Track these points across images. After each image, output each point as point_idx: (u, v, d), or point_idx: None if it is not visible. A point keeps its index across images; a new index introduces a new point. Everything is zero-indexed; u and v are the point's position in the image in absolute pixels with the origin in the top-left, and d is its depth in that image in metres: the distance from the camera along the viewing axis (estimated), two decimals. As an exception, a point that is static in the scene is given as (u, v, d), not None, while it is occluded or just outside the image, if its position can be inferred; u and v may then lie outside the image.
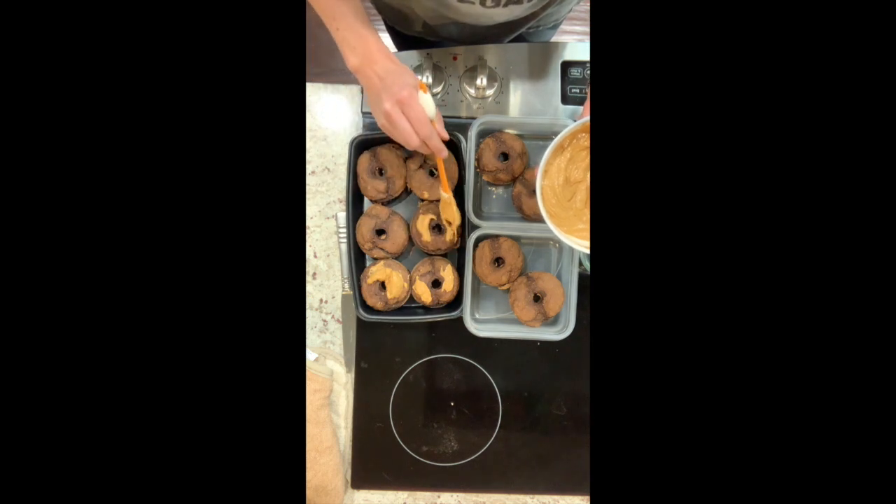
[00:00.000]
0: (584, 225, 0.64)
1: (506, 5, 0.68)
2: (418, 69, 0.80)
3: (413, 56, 0.82)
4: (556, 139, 0.60)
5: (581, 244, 0.63)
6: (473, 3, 0.67)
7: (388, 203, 0.80)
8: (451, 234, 0.77)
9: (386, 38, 0.80)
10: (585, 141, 0.62)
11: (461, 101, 0.82)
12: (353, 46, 0.61)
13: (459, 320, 0.77)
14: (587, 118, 0.59)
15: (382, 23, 0.94)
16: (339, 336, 0.84)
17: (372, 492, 0.83)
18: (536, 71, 0.82)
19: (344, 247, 0.81)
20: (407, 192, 0.81)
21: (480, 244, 0.78)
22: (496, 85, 0.82)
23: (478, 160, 0.78)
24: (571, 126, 0.59)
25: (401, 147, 0.77)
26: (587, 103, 0.62)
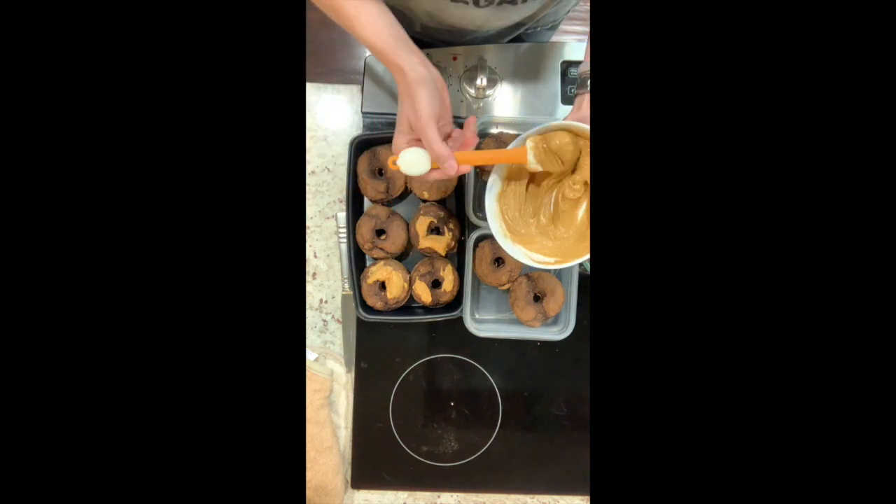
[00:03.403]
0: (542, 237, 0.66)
1: (499, 4, 0.67)
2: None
3: (413, 56, 0.81)
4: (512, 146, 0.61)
5: (539, 259, 0.64)
6: (467, 3, 0.67)
7: (388, 203, 0.80)
8: (448, 239, 0.77)
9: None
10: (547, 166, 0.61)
11: (461, 101, 0.82)
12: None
13: (459, 320, 0.77)
14: (517, 140, 0.60)
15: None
16: (339, 336, 0.84)
17: (372, 492, 0.83)
18: (536, 71, 0.82)
19: (344, 247, 0.81)
20: (407, 192, 0.81)
21: (480, 244, 0.78)
22: (496, 85, 0.82)
23: (478, 160, 0.78)
24: (520, 137, 0.60)
25: None
26: (574, 107, 0.62)
